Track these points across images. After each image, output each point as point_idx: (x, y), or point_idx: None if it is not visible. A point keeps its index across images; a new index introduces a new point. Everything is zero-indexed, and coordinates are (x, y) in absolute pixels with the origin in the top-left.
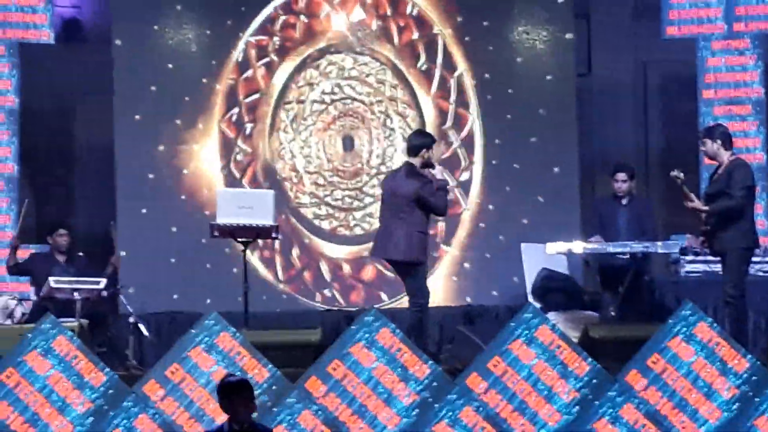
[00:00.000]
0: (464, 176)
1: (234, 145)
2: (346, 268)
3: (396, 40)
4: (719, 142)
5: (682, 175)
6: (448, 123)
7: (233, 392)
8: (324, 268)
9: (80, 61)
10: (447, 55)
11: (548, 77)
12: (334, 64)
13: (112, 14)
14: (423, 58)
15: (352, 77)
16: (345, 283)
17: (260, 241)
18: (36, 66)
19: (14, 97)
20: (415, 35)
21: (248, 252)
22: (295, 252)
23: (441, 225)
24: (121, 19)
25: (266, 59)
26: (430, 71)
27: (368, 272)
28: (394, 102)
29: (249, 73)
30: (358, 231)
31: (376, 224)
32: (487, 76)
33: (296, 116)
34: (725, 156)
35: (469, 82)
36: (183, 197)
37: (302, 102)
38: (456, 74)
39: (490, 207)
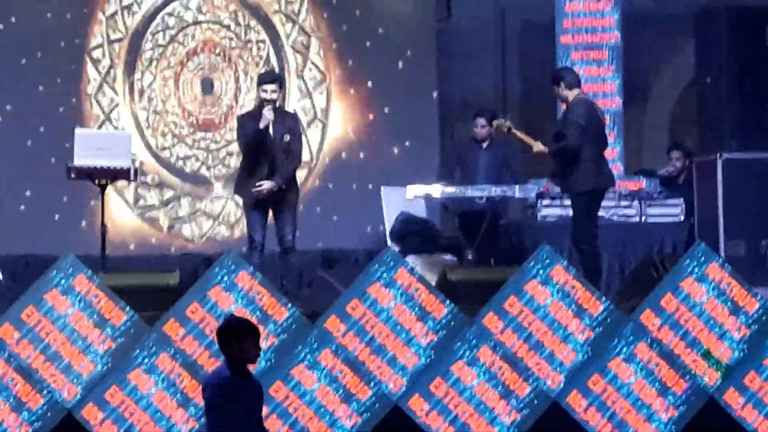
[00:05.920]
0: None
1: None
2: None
3: None
4: (564, 83)
5: (508, 123)
6: (308, 69)
7: (244, 334)
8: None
9: None
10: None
11: (409, 21)
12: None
13: None
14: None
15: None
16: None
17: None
18: None
19: None
20: None
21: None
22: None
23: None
24: None
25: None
26: (291, 17)
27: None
28: (251, 45)
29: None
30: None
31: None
32: (346, 21)
33: (153, 57)
34: (570, 96)
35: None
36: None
37: (161, 46)
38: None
39: (352, 150)
